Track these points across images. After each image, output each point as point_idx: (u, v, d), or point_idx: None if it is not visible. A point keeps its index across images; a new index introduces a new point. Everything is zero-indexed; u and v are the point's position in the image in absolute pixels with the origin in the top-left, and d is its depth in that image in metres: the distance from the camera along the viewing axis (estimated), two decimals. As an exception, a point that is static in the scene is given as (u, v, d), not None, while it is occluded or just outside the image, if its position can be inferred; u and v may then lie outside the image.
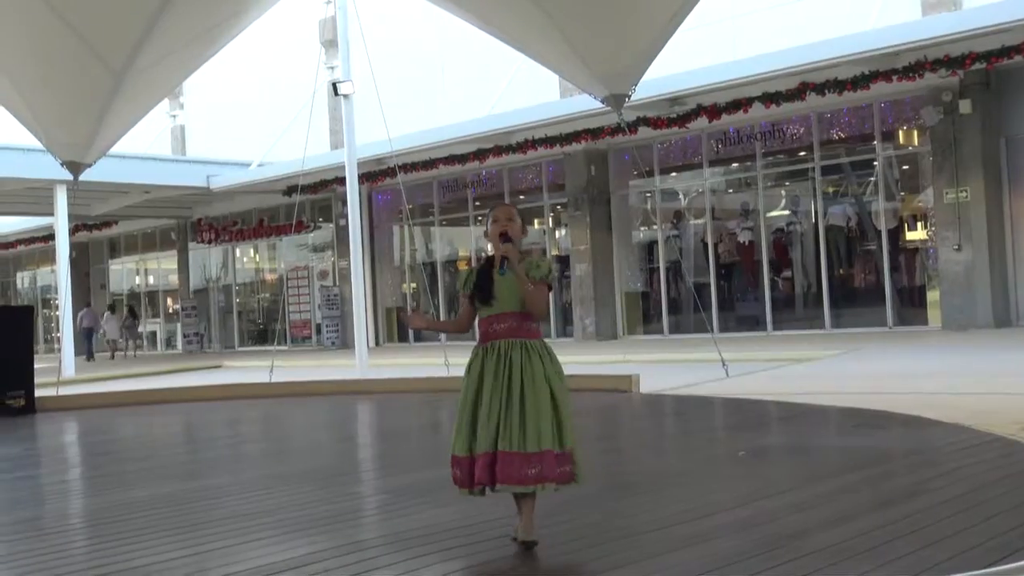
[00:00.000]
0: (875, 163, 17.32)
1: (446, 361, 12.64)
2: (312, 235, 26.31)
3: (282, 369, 15.38)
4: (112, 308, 30.10)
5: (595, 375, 11.57)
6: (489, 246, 4.36)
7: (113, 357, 28.30)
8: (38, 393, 12.43)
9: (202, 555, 4.39)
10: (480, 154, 19.97)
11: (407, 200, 18.73)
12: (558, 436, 4.06)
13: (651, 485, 5.59)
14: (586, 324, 20.12)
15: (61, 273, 20.91)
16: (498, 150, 19.69)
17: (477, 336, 4.29)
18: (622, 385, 10.68)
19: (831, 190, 18.23)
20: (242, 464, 7.59)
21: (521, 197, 22.21)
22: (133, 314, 30.85)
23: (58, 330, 29.05)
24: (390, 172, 20.23)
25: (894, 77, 14.80)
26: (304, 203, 23.44)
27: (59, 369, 15.61)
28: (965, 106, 15.27)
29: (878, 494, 4.92)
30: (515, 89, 19.86)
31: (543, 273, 4.21)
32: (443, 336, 17.26)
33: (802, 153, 18.13)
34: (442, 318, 16.70)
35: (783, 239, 18.76)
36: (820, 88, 15.47)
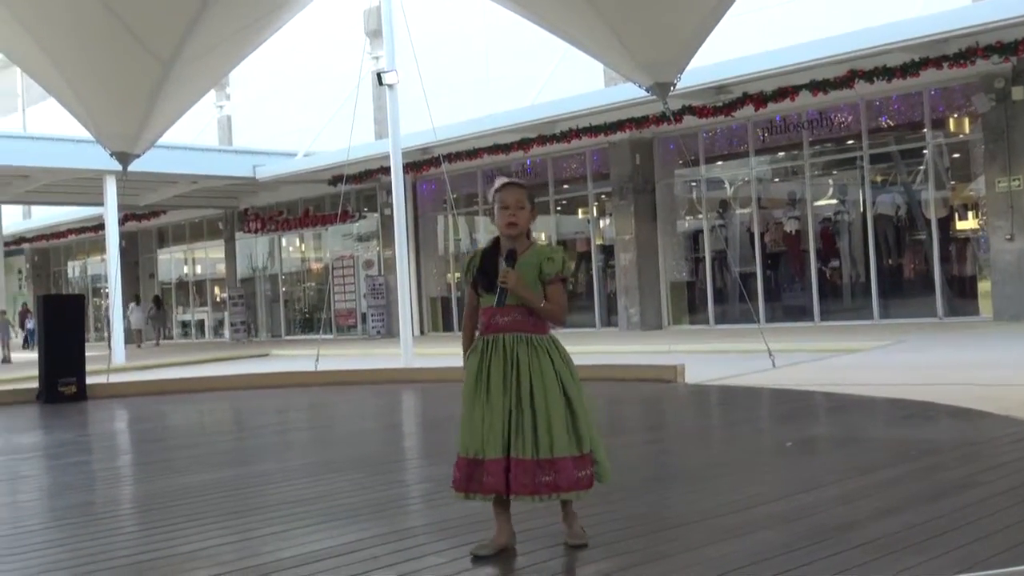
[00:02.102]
0: (925, 151, 17.08)
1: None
2: (357, 225, 26.46)
3: (328, 358, 15.49)
4: (137, 299, 30.46)
5: (640, 365, 11.55)
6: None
7: (140, 346, 28.57)
8: (89, 380, 12.63)
9: (251, 541, 4.44)
10: (524, 143, 19.96)
11: (451, 189, 18.77)
12: (575, 439, 3.79)
13: (696, 476, 5.56)
14: (631, 314, 20.06)
15: (111, 262, 21.21)
16: (542, 139, 19.67)
17: (480, 324, 3.96)
18: (667, 375, 10.64)
19: (880, 179, 18.01)
20: (289, 451, 7.67)
21: (565, 186, 22.20)
22: (159, 304, 31.30)
23: (108, 318, 29.50)
24: (435, 162, 20.29)
25: (945, 64, 14.58)
26: (349, 193, 23.57)
27: (109, 357, 15.84)
28: (1018, 92, 15.01)
29: (927, 487, 4.86)
30: (559, 78, 19.82)
31: (557, 268, 3.83)
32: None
33: (850, 141, 17.92)
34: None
35: (831, 228, 18.58)
36: (869, 75, 15.28)
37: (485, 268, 3.89)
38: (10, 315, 36.28)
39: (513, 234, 3.88)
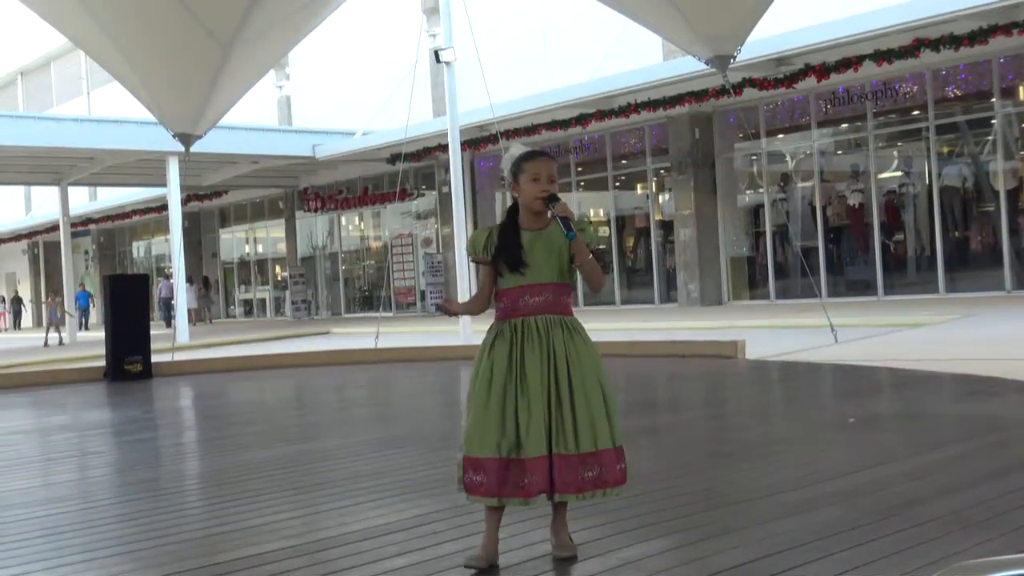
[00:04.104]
0: (993, 121, 16.70)
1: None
2: (416, 202, 26.57)
3: (387, 335, 15.60)
4: (189, 280, 30.94)
5: (700, 341, 11.48)
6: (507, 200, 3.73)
7: (195, 325, 29.02)
8: (154, 359, 12.86)
9: (316, 515, 4.50)
10: (582, 119, 19.86)
11: (509, 166, 18.70)
12: (611, 431, 3.46)
13: (757, 452, 5.52)
14: (690, 289, 19.93)
15: (174, 242, 21.53)
16: (600, 115, 19.55)
17: (498, 309, 3.61)
18: (727, 351, 10.57)
19: (946, 150, 17.65)
20: (351, 428, 7.75)
21: (624, 162, 22.06)
22: (207, 284, 31.85)
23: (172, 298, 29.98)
24: (492, 139, 20.27)
25: (1015, 31, 14.20)
26: (407, 171, 23.65)
27: (173, 335, 16.11)
28: (1091, 60, 14.61)
29: (994, 463, 4.78)
30: (618, 53, 19.66)
31: (588, 239, 3.52)
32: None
33: (915, 112, 17.57)
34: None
35: (895, 201, 18.26)
36: (935, 44, 14.93)
37: (507, 246, 3.51)
38: (94, 292, 37.21)
39: (541, 209, 3.53)
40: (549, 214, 3.50)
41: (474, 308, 3.70)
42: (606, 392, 3.48)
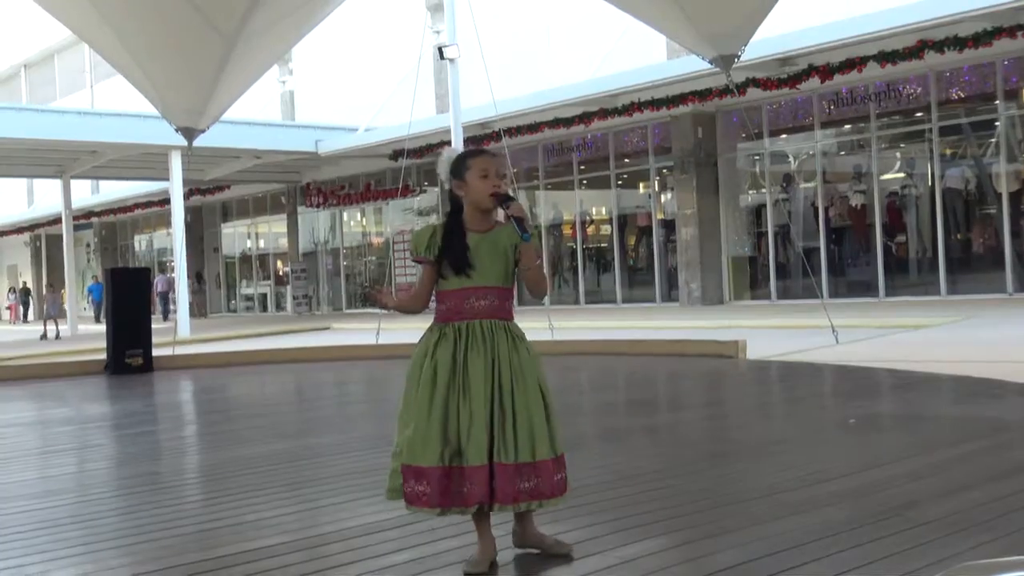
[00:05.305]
0: (996, 123, 16.68)
1: (550, 325, 12.66)
2: (418, 199, 26.56)
3: (388, 331, 15.58)
4: None
5: (701, 340, 11.47)
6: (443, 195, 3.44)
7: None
8: (155, 352, 12.86)
9: (314, 511, 4.50)
10: (585, 117, 19.83)
11: (512, 164, 18.72)
12: (551, 440, 3.39)
13: (758, 452, 5.51)
14: (692, 289, 19.92)
15: (176, 236, 21.52)
16: (603, 113, 19.52)
17: (439, 311, 3.51)
18: (728, 351, 10.55)
19: (949, 152, 17.63)
20: (350, 423, 7.74)
21: (626, 160, 22.05)
22: (200, 279, 31.95)
23: (173, 291, 29.97)
24: (495, 136, 20.26)
25: (1019, 33, 14.18)
26: (410, 167, 23.63)
27: (175, 329, 16.11)
28: (1095, 63, 14.58)
29: (994, 465, 4.76)
30: (621, 51, 19.64)
31: (533, 245, 3.49)
32: (546, 300, 17.22)
33: (919, 114, 17.55)
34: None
35: (897, 202, 18.25)
36: (939, 46, 14.91)
37: (452, 246, 3.42)
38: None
39: (492, 207, 3.46)
40: (504, 215, 3.43)
41: (411, 306, 3.56)
42: (547, 400, 3.42)
